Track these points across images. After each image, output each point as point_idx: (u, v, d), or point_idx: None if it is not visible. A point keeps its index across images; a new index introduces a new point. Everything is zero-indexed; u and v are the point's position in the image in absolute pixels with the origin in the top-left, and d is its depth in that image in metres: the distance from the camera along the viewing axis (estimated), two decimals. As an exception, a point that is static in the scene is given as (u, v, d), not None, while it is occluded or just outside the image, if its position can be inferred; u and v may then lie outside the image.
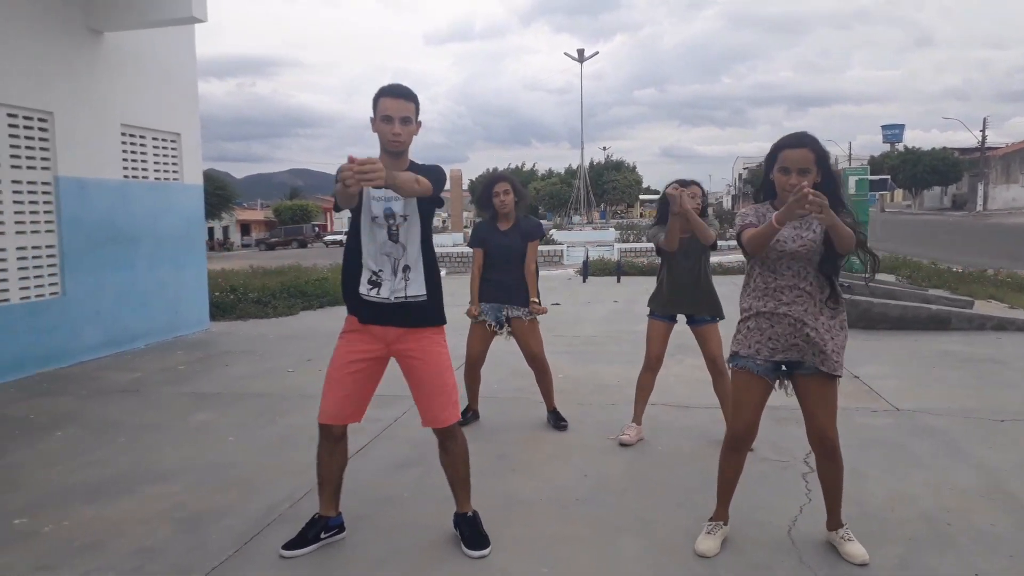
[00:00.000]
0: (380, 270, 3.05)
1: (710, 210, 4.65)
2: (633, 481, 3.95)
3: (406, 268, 3.06)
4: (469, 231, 5.02)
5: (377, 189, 2.95)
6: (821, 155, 2.84)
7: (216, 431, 4.97)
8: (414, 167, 3.06)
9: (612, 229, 35.98)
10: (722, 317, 4.44)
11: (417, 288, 3.07)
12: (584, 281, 15.43)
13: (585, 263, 16.61)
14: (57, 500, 3.79)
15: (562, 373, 6.39)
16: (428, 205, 3.09)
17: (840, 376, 2.97)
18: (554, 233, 31.17)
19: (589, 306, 11.19)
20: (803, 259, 2.90)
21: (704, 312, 4.43)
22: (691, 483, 3.87)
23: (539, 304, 4.85)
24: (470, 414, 5.01)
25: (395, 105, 2.95)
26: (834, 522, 3.11)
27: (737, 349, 3.07)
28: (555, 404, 5.00)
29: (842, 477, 3.08)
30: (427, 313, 3.11)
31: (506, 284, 4.80)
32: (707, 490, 3.72)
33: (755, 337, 3.01)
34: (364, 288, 3.06)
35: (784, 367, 3.03)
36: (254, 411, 5.46)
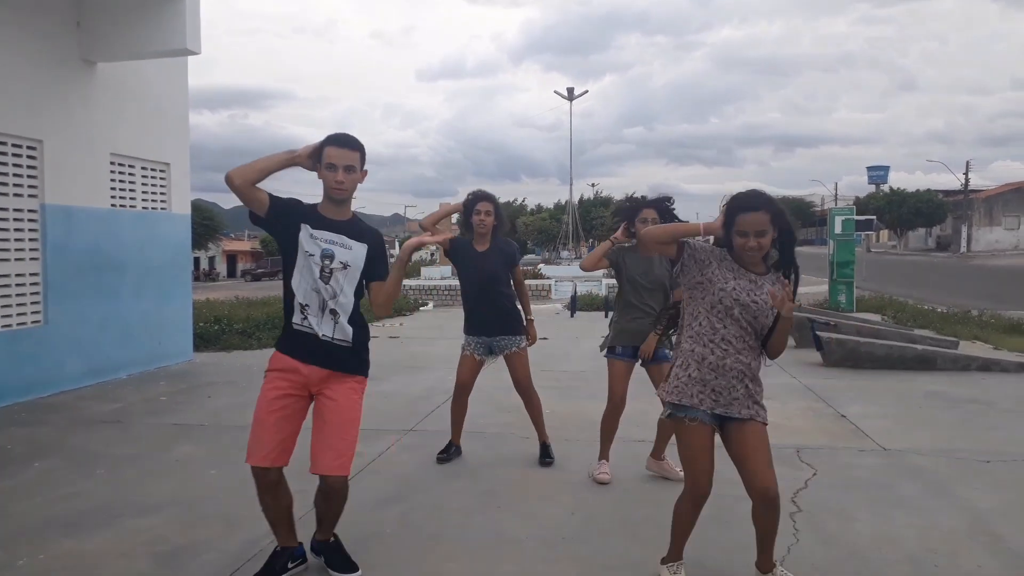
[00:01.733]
0: (307, 305, 3.09)
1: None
2: (620, 519, 3.91)
3: (333, 312, 3.09)
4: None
5: (316, 229, 3.06)
6: (776, 214, 2.85)
7: (198, 464, 4.90)
8: (357, 223, 3.18)
9: (600, 265, 36.08)
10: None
11: (343, 334, 3.10)
12: (572, 316, 15.44)
13: (573, 298, 16.63)
14: (33, 533, 3.71)
15: (549, 409, 6.34)
16: (371, 270, 3.16)
17: (765, 424, 2.97)
18: (543, 268, 31.21)
19: (577, 341, 11.18)
20: (752, 315, 2.89)
21: (662, 348, 4.37)
22: (678, 522, 3.83)
23: (533, 325, 4.84)
24: (453, 449, 4.96)
25: (339, 154, 3.03)
26: (767, 564, 3.06)
27: (679, 400, 2.97)
28: (547, 437, 4.96)
29: (779, 520, 3.01)
30: (350, 361, 3.14)
31: (493, 317, 4.77)
32: (694, 530, 3.70)
33: (697, 388, 2.94)
34: (297, 317, 3.11)
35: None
36: (237, 444, 5.36)
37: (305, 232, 3.07)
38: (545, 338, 11.54)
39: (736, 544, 3.50)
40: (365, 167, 3.13)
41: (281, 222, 3.10)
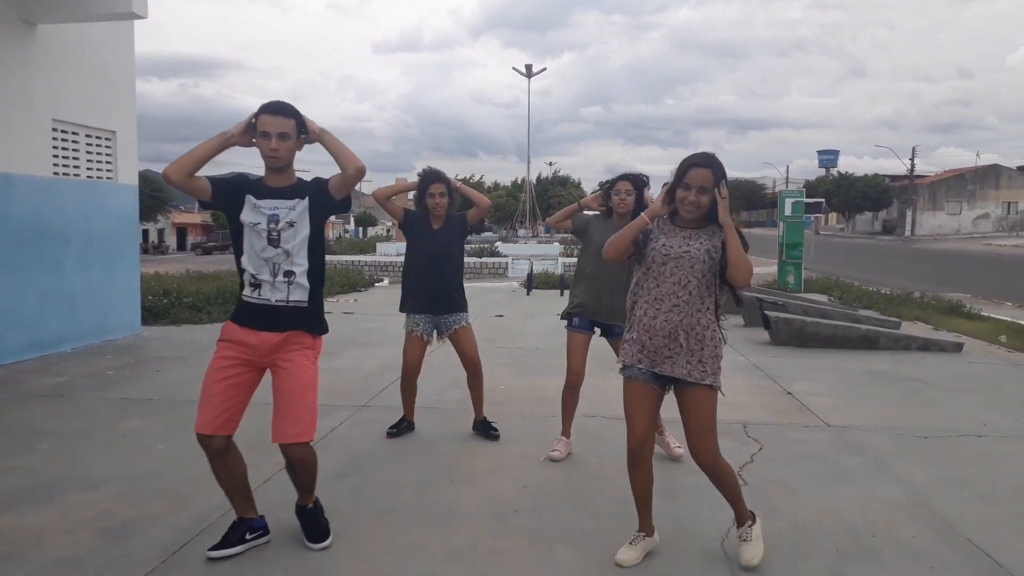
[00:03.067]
0: (258, 274, 3.09)
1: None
2: (571, 492, 3.97)
3: (288, 273, 3.09)
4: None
5: (259, 199, 3.07)
6: (720, 178, 2.98)
7: (145, 439, 4.81)
8: (299, 185, 3.15)
9: (557, 243, 36.26)
10: None
11: (300, 294, 3.11)
12: (528, 294, 15.49)
13: (529, 276, 16.68)
14: (-29, 509, 3.61)
15: (503, 385, 6.39)
16: (323, 211, 3.14)
17: (715, 388, 3.03)
18: (499, 246, 31.20)
19: (532, 319, 11.23)
20: (688, 265, 2.97)
21: (621, 321, 4.39)
22: (628, 494, 3.86)
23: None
24: (405, 424, 4.96)
25: (272, 121, 3.02)
26: (741, 518, 3.18)
27: (623, 360, 3.13)
28: (484, 413, 4.99)
29: (733, 482, 3.16)
30: (306, 319, 3.13)
31: (443, 295, 4.75)
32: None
33: (636, 348, 3.08)
34: (247, 291, 3.12)
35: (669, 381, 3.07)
36: (186, 418, 5.28)
37: (249, 204, 3.08)
38: (501, 315, 11.57)
39: (683, 515, 3.59)
40: (303, 135, 3.10)
41: (227, 201, 3.11)
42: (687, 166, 2.99)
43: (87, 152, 8.28)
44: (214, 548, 3.11)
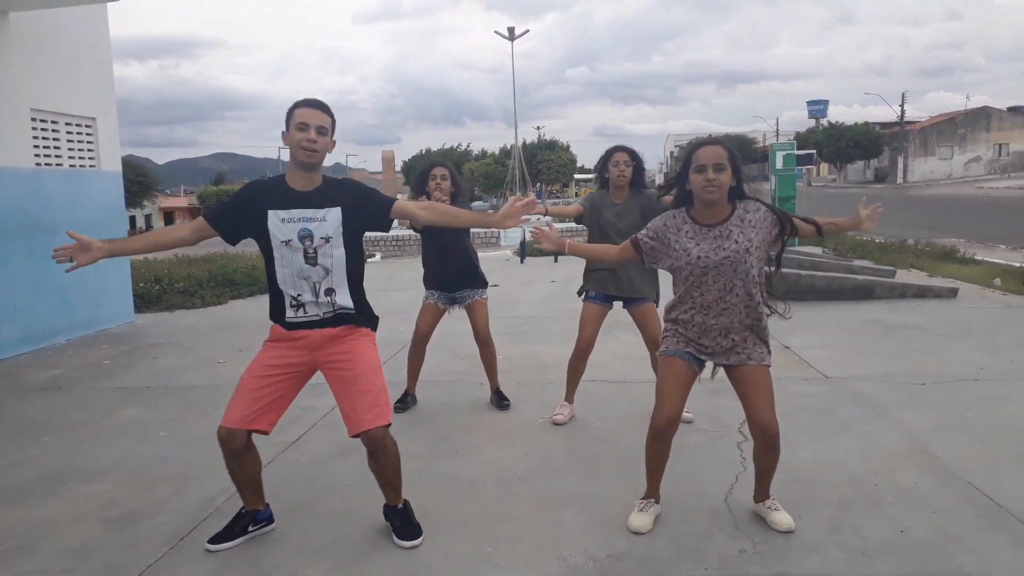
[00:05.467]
0: (299, 294, 2.94)
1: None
2: (574, 458, 3.99)
3: (329, 291, 2.95)
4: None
5: (285, 210, 2.89)
6: (732, 151, 2.91)
7: (146, 426, 4.81)
8: (326, 187, 2.96)
9: (548, 209, 36.08)
10: (658, 300, 4.43)
11: (344, 301, 2.98)
12: (522, 262, 15.46)
13: (522, 244, 16.60)
14: (-23, 505, 3.62)
15: (502, 354, 6.37)
16: (363, 227, 3.01)
17: (768, 364, 3.02)
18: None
19: (527, 287, 11.22)
20: (730, 270, 2.89)
21: (641, 292, 4.40)
22: (631, 457, 3.92)
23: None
24: (409, 398, 4.98)
25: (312, 114, 2.87)
26: (762, 495, 3.18)
27: (669, 347, 3.07)
28: (499, 383, 5.01)
29: (778, 460, 3.12)
30: (357, 319, 3.04)
31: (458, 274, 4.78)
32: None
33: (684, 337, 3.03)
34: (290, 313, 2.96)
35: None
36: (185, 404, 5.31)
37: (274, 219, 2.88)
38: (496, 285, 11.55)
39: (686, 475, 3.61)
40: (334, 138, 2.96)
41: (242, 227, 2.94)
42: (693, 147, 2.90)
43: (68, 141, 8.16)
44: (214, 540, 3.05)
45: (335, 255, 2.93)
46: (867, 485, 3.47)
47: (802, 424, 4.32)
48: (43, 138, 7.79)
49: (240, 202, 2.98)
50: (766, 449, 3.05)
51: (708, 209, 2.92)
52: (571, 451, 4.09)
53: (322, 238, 2.90)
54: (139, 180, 43.10)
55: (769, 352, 3.04)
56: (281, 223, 2.89)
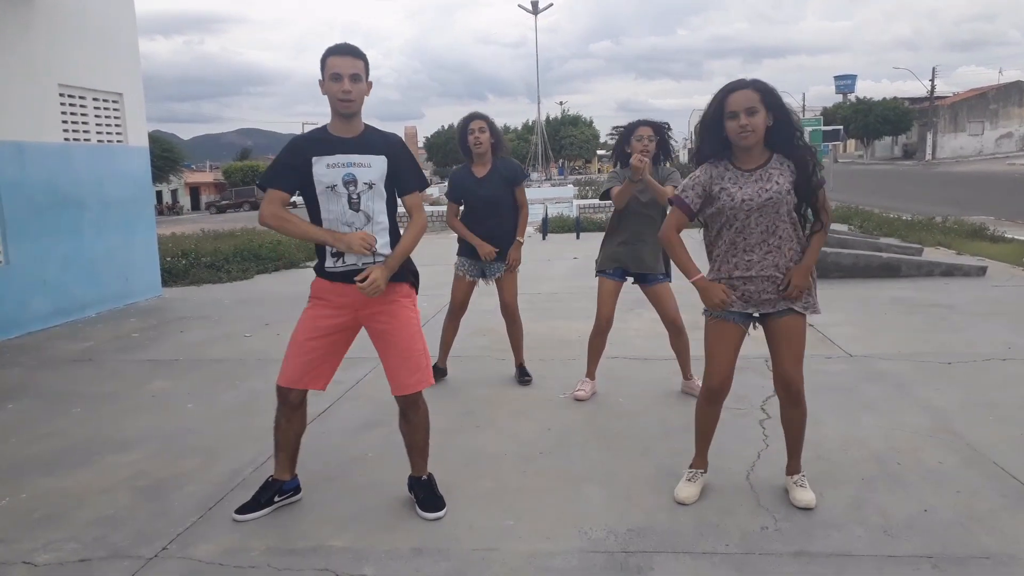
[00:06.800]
0: None
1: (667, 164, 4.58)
2: (595, 433, 4.01)
3: None
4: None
5: (331, 155, 2.90)
6: (766, 92, 2.80)
7: (174, 398, 4.90)
8: (370, 135, 2.99)
9: (571, 185, 35.93)
10: (670, 277, 4.39)
11: (384, 250, 2.98)
12: (544, 238, 15.44)
13: (544, 220, 16.58)
14: (13, 473, 3.71)
15: (525, 330, 6.40)
16: (393, 185, 3.02)
17: (805, 314, 3.00)
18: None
19: (549, 263, 11.21)
20: (773, 210, 2.87)
21: (656, 270, 4.37)
22: (651, 433, 3.94)
23: (521, 245, 4.77)
24: (437, 371, 4.99)
25: (343, 62, 2.86)
26: (794, 467, 3.18)
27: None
28: (523, 359, 5.01)
29: (804, 423, 3.12)
30: (399, 272, 3.02)
31: (494, 241, 4.68)
32: (667, 439, 3.81)
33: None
34: (329, 262, 2.98)
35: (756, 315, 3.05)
36: (212, 377, 5.39)
37: (320, 165, 2.90)
38: (517, 260, 11.54)
39: (710, 450, 3.61)
40: (370, 79, 2.96)
41: (293, 177, 2.95)
42: (724, 93, 2.82)
43: (96, 116, 8.23)
44: (241, 510, 3.12)
45: (377, 202, 2.97)
46: (891, 463, 3.45)
47: (826, 402, 4.30)
48: (71, 114, 7.87)
49: (287, 155, 2.99)
50: (791, 405, 3.06)
51: (746, 154, 2.90)
52: (593, 427, 4.11)
53: (365, 183, 2.93)
54: (165, 155, 43.48)
55: (815, 301, 3.02)
56: (327, 168, 2.91)
